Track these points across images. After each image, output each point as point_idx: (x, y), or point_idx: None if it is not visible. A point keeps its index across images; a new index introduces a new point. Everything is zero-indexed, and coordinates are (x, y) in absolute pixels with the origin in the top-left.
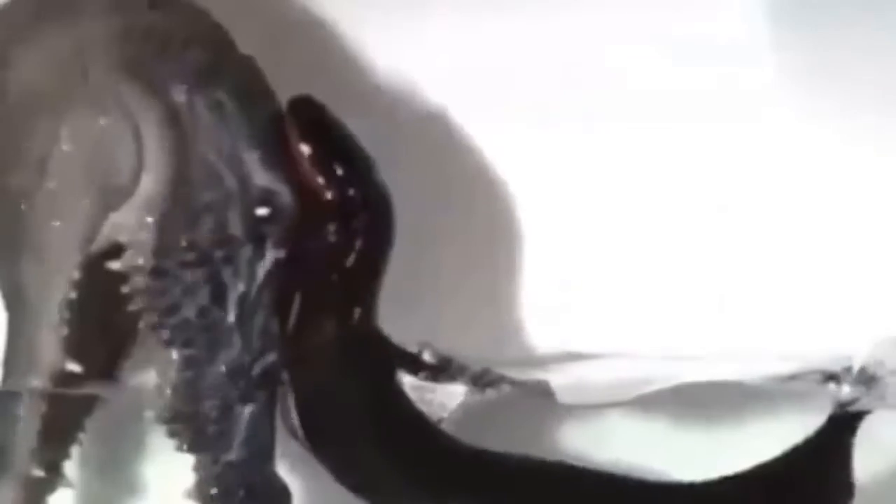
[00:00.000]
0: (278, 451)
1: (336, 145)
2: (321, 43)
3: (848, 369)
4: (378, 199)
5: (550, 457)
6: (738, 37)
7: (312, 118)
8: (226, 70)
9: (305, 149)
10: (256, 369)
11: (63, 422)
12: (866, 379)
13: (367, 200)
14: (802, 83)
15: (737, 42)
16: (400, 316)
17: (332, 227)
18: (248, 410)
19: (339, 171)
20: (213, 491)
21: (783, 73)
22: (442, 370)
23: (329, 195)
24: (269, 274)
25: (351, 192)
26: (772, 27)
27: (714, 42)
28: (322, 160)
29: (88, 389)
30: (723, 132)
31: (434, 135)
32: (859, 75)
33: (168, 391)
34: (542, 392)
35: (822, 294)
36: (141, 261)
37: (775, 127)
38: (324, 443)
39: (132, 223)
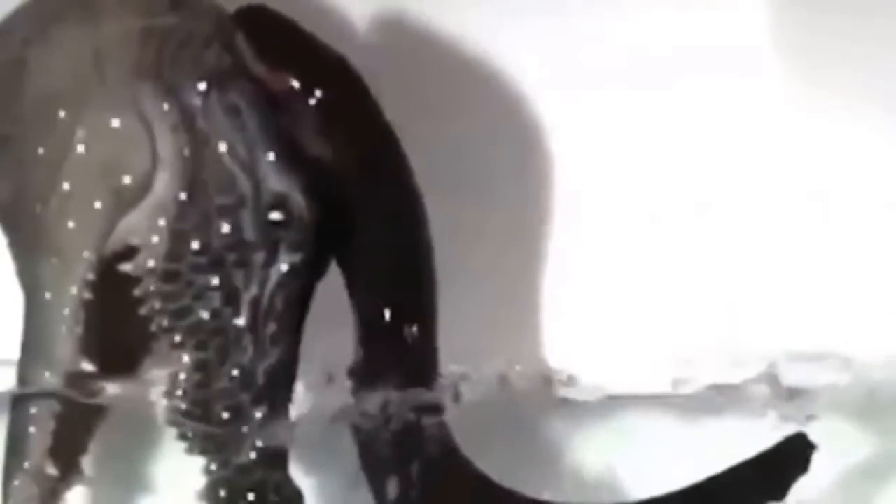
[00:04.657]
0: (292, 455)
1: (290, 41)
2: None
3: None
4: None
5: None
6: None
7: (262, 25)
8: (243, 73)
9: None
10: (268, 373)
11: (77, 421)
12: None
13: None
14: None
15: (738, 35)
16: None
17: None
18: (259, 414)
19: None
20: (223, 493)
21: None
22: None
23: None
24: (283, 279)
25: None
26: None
27: (715, 37)
28: (279, 57)
29: (101, 389)
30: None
31: (443, 134)
32: (861, 64)
33: (179, 393)
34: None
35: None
36: (153, 263)
37: (776, 124)
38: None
39: (145, 225)
